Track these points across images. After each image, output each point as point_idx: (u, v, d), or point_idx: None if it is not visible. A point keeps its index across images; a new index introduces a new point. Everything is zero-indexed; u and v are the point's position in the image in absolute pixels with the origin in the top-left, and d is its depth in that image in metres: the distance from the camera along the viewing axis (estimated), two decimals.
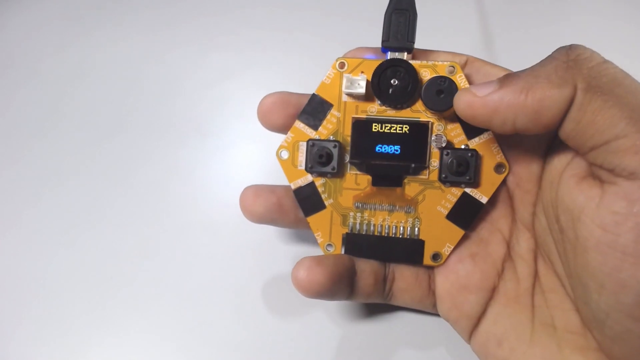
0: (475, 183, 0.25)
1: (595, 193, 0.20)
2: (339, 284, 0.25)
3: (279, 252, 0.32)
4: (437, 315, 0.27)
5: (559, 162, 0.23)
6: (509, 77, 0.21)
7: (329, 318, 0.30)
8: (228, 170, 0.35)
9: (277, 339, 0.30)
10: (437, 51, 0.26)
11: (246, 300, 0.31)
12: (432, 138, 0.25)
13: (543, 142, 0.24)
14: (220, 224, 0.33)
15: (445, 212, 0.26)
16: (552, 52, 0.21)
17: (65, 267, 0.32)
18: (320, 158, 0.25)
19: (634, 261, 0.19)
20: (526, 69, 0.21)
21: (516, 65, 0.24)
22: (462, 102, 0.22)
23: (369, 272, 0.26)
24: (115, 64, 0.38)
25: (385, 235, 0.26)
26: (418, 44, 0.25)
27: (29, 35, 0.40)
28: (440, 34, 0.30)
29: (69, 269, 0.32)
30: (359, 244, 0.26)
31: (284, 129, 0.26)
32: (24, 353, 0.30)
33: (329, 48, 0.28)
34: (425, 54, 0.26)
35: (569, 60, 0.20)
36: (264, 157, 0.34)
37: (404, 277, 0.27)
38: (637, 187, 0.19)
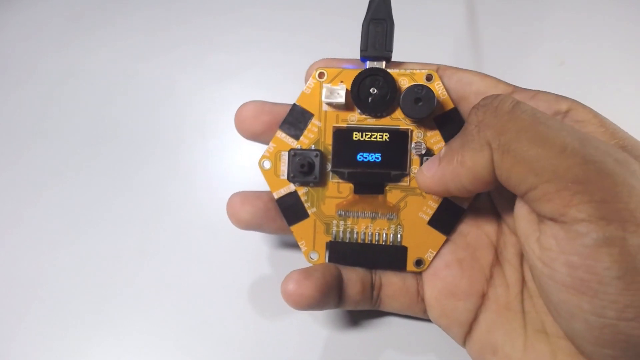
0: None
1: (535, 228, 0.21)
2: (327, 296, 0.25)
3: (279, 252, 0.32)
4: (430, 320, 0.27)
5: None
6: (445, 150, 0.23)
7: (323, 322, 0.30)
8: (227, 171, 0.35)
9: (274, 340, 0.30)
10: (408, 62, 0.26)
11: (246, 300, 0.31)
12: (412, 145, 0.25)
13: None
14: (220, 224, 0.32)
15: (427, 218, 0.26)
16: (468, 115, 0.23)
17: (65, 267, 0.33)
18: (302, 167, 0.25)
19: (574, 292, 0.19)
20: (456, 138, 0.23)
21: (503, 64, 0.24)
22: (419, 183, 0.25)
23: (356, 280, 0.26)
24: (115, 63, 0.38)
25: (369, 242, 0.26)
26: (403, 48, 0.25)
27: (29, 35, 0.40)
28: (425, 35, 0.30)
29: (69, 269, 0.33)
30: (343, 251, 0.26)
31: (258, 135, 0.27)
32: (24, 353, 0.31)
33: (329, 48, 0.28)
34: (396, 65, 0.26)
35: (479, 122, 0.22)
36: None
37: (390, 283, 0.27)
38: (559, 228, 0.19)
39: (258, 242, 0.32)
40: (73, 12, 0.41)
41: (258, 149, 0.35)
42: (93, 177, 0.35)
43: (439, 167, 0.23)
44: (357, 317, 0.30)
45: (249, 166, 0.35)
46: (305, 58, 0.35)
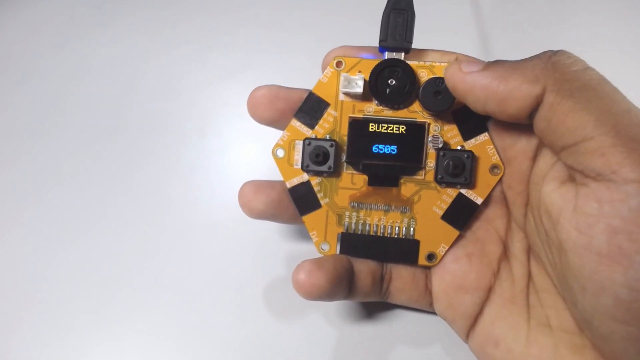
0: (470, 184, 0.25)
1: (572, 196, 0.21)
2: (338, 287, 0.25)
3: (279, 251, 0.32)
4: (435, 313, 0.27)
5: (545, 164, 0.23)
6: (494, 63, 0.22)
7: (328, 317, 0.30)
8: (228, 170, 0.35)
9: (276, 338, 0.30)
10: (427, 50, 0.26)
11: (246, 299, 0.31)
12: (429, 139, 0.25)
13: (533, 144, 0.24)
14: (220, 223, 0.33)
15: (441, 212, 0.26)
16: (539, 54, 0.22)
17: (65, 267, 0.32)
18: (317, 157, 0.25)
19: (609, 262, 0.19)
20: (513, 61, 0.22)
21: None
22: (447, 73, 0.23)
23: (367, 273, 0.26)
24: (115, 63, 0.38)
25: (381, 235, 0.26)
26: (414, 44, 0.25)
27: (29, 35, 0.40)
28: (436, 34, 0.30)
29: (69, 269, 0.32)
30: (355, 243, 0.26)
31: (272, 122, 0.26)
32: (24, 353, 0.30)
33: (329, 48, 0.28)
34: (415, 53, 0.26)
35: (549, 62, 0.21)
36: (263, 157, 0.34)
37: (401, 277, 0.27)
38: (605, 188, 0.19)
39: (259, 241, 0.32)
40: (73, 12, 0.40)
41: (259, 149, 0.35)
42: (94, 176, 0.35)
43: (480, 71, 0.22)
44: (360, 309, 0.30)
45: (250, 165, 0.35)
46: (305, 58, 0.35)
